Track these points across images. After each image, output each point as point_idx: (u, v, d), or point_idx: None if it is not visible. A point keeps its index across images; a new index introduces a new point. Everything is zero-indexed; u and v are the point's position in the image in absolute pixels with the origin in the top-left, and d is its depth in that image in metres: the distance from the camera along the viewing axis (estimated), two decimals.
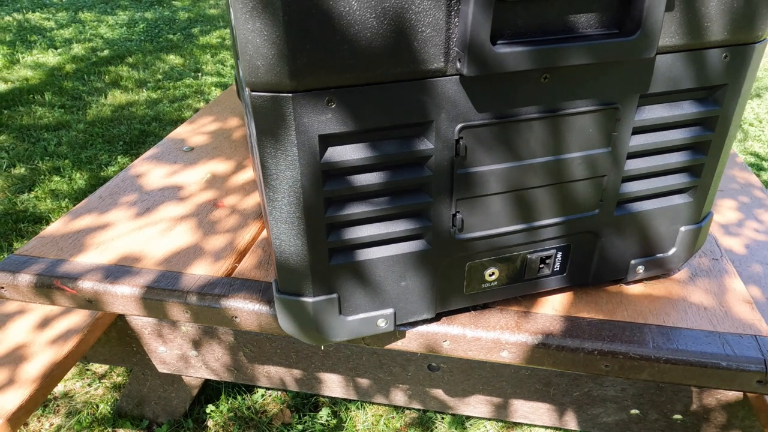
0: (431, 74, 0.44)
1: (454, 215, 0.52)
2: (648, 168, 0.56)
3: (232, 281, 0.66)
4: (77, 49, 3.87)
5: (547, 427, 1.32)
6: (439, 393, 1.15)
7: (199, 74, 3.49)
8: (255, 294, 0.64)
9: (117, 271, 0.68)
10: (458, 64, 0.44)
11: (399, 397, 1.18)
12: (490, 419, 1.35)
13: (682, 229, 0.62)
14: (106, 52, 3.80)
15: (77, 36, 4.12)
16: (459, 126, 0.47)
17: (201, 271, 0.68)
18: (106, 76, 3.41)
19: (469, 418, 1.37)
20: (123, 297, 0.65)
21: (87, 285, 0.66)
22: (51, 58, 3.68)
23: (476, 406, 1.17)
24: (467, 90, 0.46)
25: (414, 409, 1.39)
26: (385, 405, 1.40)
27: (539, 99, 0.48)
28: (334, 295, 0.53)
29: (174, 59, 3.72)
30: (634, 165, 0.56)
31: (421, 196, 0.51)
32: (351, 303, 0.54)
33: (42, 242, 0.74)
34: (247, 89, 0.43)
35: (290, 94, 0.42)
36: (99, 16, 4.61)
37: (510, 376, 1.10)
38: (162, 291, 0.65)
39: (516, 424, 1.35)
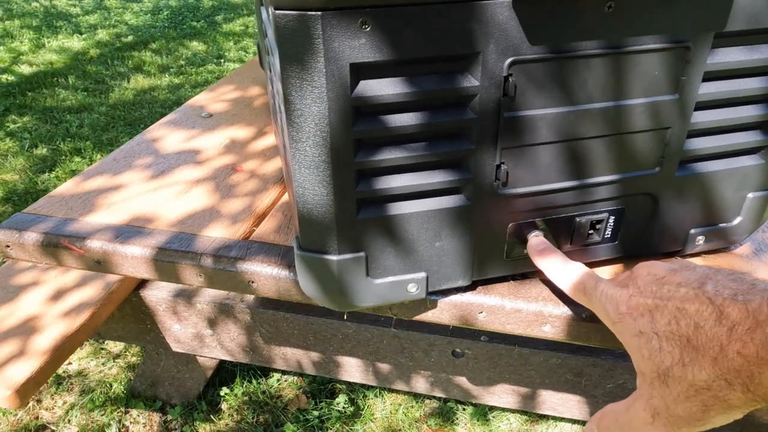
0: None
1: (498, 166, 0.46)
2: (718, 122, 0.50)
3: (250, 244, 0.61)
4: (102, 34, 3.88)
5: (575, 421, 1.25)
6: (462, 381, 1.10)
7: (222, 60, 3.47)
8: (274, 257, 0.59)
9: (128, 232, 0.63)
10: None
11: (420, 384, 1.13)
12: (514, 411, 1.29)
13: (750, 195, 0.55)
14: (130, 38, 3.80)
15: (102, 22, 4.14)
16: (509, 60, 0.42)
17: (217, 233, 0.63)
18: (130, 61, 3.41)
19: (492, 409, 1.30)
20: (133, 258, 0.61)
21: (96, 245, 0.62)
22: (76, 43, 3.69)
23: (501, 395, 1.10)
24: (520, 17, 0.40)
25: (434, 398, 1.34)
26: (404, 393, 1.35)
27: (601, 32, 0.42)
28: (362, 254, 0.48)
29: (197, 46, 3.71)
30: (702, 117, 0.49)
31: (462, 142, 0.45)
32: (380, 264, 0.49)
33: (51, 201, 0.70)
34: (270, 8, 0.38)
35: (319, 13, 0.37)
36: (124, 3, 4.63)
37: (539, 365, 1.04)
38: (175, 252, 0.60)
39: (541, 416, 1.29)
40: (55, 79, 3.12)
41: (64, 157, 2.35)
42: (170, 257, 0.60)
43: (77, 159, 2.34)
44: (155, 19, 4.25)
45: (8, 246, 0.65)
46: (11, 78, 3.11)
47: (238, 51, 3.63)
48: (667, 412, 0.37)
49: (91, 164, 2.30)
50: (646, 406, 0.38)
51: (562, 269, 0.49)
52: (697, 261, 0.59)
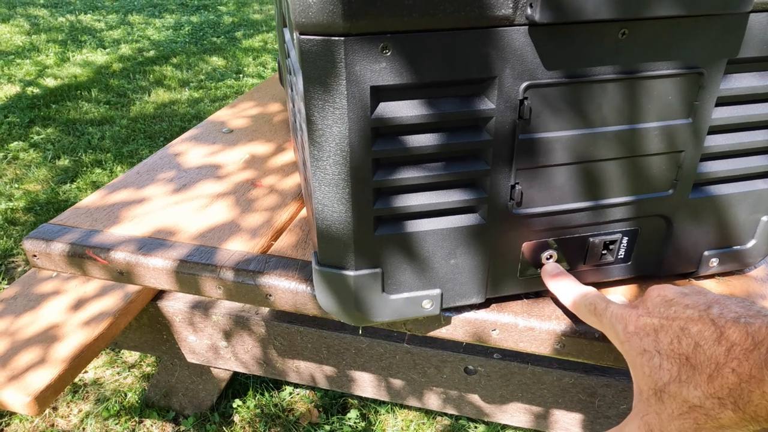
0: (498, 22, 0.40)
1: (513, 187, 0.47)
2: (731, 146, 0.50)
3: (268, 258, 0.63)
4: (125, 49, 3.97)
5: None
6: (474, 398, 1.09)
7: (241, 75, 3.53)
8: (291, 271, 0.60)
9: (150, 244, 0.65)
10: (529, 10, 0.39)
11: (432, 400, 1.13)
12: (527, 429, 1.28)
13: (764, 218, 0.56)
14: (152, 53, 3.89)
15: (125, 37, 4.24)
16: (524, 84, 0.43)
17: (236, 247, 0.65)
18: (151, 76, 3.48)
19: (504, 427, 1.30)
20: (155, 269, 0.63)
21: (119, 256, 0.64)
22: (99, 57, 3.78)
23: (514, 414, 1.10)
24: (536, 43, 0.42)
25: (446, 415, 1.33)
26: (416, 410, 1.35)
27: (615, 58, 0.44)
28: (378, 270, 0.49)
29: (217, 61, 3.78)
30: (715, 141, 0.50)
31: (478, 163, 0.46)
32: (395, 280, 0.50)
33: (76, 213, 0.72)
34: (295, 32, 0.40)
35: (342, 38, 0.39)
36: (147, 18, 4.74)
37: (552, 384, 1.04)
38: (195, 265, 0.62)
39: None
40: (79, 92, 3.19)
41: (85, 169, 2.40)
42: (191, 269, 0.62)
43: (98, 170, 2.39)
44: (177, 35, 4.34)
45: (35, 255, 0.67)
46: (36, 90, 3.20)
47: (256, 66, 3.69)
48: (660, 429, 0.38)
49: (112, 176, 2.35)
50: (640, 424, 0.39)
51: (574, 292, 0.50)
52: (710, 283, 0.59)
